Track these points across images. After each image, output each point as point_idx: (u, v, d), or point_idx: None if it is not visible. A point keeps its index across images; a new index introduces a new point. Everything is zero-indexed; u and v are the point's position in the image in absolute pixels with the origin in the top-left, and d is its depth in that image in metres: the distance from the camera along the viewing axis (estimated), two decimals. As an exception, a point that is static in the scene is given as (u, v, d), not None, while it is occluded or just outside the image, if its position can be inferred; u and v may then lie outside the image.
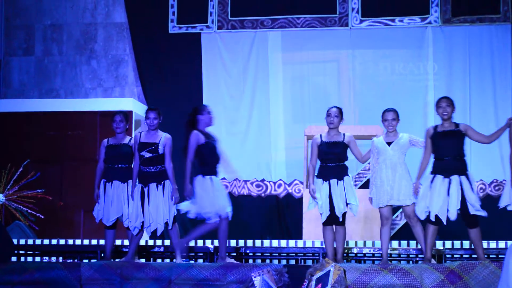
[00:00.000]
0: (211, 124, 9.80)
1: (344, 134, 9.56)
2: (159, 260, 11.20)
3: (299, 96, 14.52)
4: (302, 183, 13.68)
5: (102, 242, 11.66)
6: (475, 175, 13.25)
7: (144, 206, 9.60)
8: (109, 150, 10.06)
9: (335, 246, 9.34)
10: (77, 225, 13.89)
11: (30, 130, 14.29)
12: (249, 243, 11.40)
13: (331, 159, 9.35)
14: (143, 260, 10.82)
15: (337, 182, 9.26)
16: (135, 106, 14.44)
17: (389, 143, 9.29)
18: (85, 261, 10.58)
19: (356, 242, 11.00)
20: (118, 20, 15.30)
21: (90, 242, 11.88)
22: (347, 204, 9.23)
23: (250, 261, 11.24)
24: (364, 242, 10.95)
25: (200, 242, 11.54)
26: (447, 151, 9.10)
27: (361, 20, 14.36)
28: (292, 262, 11.01)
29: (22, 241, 11.78)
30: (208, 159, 9.58)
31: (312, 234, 11.77)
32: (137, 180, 9.77)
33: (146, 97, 14.90)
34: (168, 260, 11.10)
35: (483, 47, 14.06)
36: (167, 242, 11.75)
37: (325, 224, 9.28)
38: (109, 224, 9.90)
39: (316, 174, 9.41)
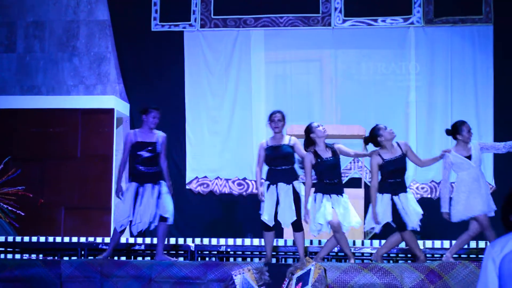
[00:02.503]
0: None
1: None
2: (139, 258, 11.18)
3: (281, 95, 14.52)
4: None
5: (82, 239, 11.65)
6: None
7: (135, 205, 9.53)
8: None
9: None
10: (58, 222, 13.85)
11: (11, 127, 14.24)
12: (230, 241, 11.40)
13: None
14: (123, 258, 10.81)
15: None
16: (117, 103, 14.42)
17: (468, 157, 9.24)
18: (66, 258, 10.55)
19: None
20: (101, 18, 15.26)
21: (70, 239, 11.85)
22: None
23: (231, 259, 11.24)
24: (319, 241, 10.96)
25: (181, 241, 11.54)
26: None
27: (344, 20, 14.38)
28: (273, 260, 11.02)
29: (2, 238, 11.74)
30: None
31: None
32: (123, 178, 9.74)
33: (128, 94, 14.87)
34: (148, 258, 11.08)
35: (465, 47, 14.10)
36: (147, 240, 11.75)
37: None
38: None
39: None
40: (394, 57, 14.29)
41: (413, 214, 9.08)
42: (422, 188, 13.80)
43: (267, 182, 9.35)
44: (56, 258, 11.07)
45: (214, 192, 14.36)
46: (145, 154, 9.70)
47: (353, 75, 14.41)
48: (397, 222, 9.12)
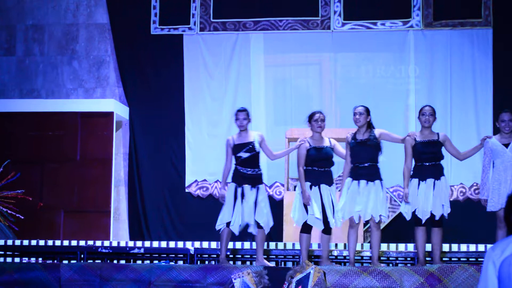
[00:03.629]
0: None
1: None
2: (139, 262, 11.17)
3: (281, 98, 14.52)
4: (283, 185, 13.69)
5: (82, 243, 11.64)
6: (455, 179, 13.32)
7: (235, 206, 9.56)
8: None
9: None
10: (57, 226, 13.84)
11: (10, 131, 14.24)
12: (230, 245, 11.38)
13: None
14: (122, 261, 10.80)
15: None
16: (117, 107, 14.42)
17: (506, 145, 9.30)
18: (65, 262, 10.54)
19: (336, 245, 11.01)
20: (100, 21, 15.26)
21: (70, 243, 11.83)
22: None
23: (231, 263, 11.23)
24: (345, 244, 10.96)
25: (180, 244, 11.54)
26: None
27: (343, 23, 14.38)
28: (272, 264, 11.01)
29: (1, 242, 11.72)
30: None
31: (293, 236, 11.77)
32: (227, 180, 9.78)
33: (128, 98, 14.87)
34: (148, 262, 11.07)
35: (464, 51, 14.10)
36: (147, 244, 11.74)
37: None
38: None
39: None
40: (393, 60, 14.29)
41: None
42: None
43: (309, 183, 9.38)
44: (55, 261, 11.05)
45: (213, 195, 14.34)
46: (244, 155, 9.70)
47: (352, 79, 14.41)
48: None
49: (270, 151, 9.91)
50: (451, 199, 12.95)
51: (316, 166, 9.49)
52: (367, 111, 9.55)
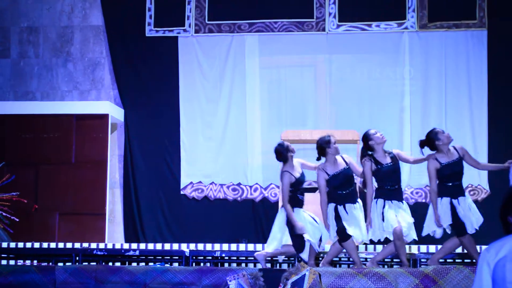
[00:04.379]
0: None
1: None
2: (134, 264, 11.16)
3: (275, 100, 14.52)
4: (278, 187, 13.68)
5: (77, 245, 11.63)
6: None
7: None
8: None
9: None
10: (52, 228, 13.82)
11: (5, 133, 14.22)
12: (225, 247, 11.38)
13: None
14: (118, 264, 10.78)
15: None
16: (112, 109, 14.41)
17: None
18: (60, 264, 10.52)
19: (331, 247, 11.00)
20: (95, 23, 15.25)
21: (65, 245, 11.82)
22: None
23: (226, 265, 11.23)
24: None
25: (175, 246, 11.53)
26: None
27: (338, 25, 14.38)
28: (268, 266, 11.01)
29: (-4, 244, 11.72)
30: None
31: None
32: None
33: (123, 100, 14.86)
34: (143, 264, 11.06)
35: (459, 52, 14.11)
36: (142, 246, 11.73)
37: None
38: None
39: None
40: (388, 62, 14.29)
41: (472, 218, 9.16)
42: (417, 193, 13.81)
43: (333, 204, 9.42)
44: (50, 264, 11.03)
45: (208, 198, 14.35)
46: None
47: (347, 80, 14.40)
48: (457, 226, 9.18)
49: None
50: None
51: (340, 190, 9.47)
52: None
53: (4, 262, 11.85)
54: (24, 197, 13.04)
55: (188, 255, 10.64)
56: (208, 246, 11.36)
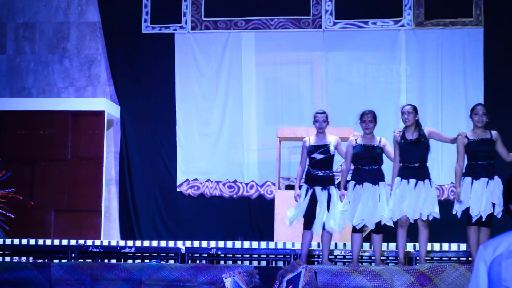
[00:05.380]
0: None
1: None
2: (130, 261, 11.16)
3: (272, 97, 14.52)
4: (274, 184, 13.69)
5: (72, 242, 11.63)
6: (446, 179, 13.36)
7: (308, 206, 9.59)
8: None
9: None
10: (48, 225, 13.82)
11: (1, 129, 14.23)
12: (221, 244, 11.39)
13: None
14: (113, 261, 10.78)
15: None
16: (108, 106, 14.40)
17: None
18: (56, 261, 10.52)
19: (336, 244, 11.01)
20: (91, 20, 15.23)
21: (60, 242, 11.83)
22: None
23: (222, 262, 11.23)
24: (335, 244, 10.97)
25: (171, 243, 11.53)
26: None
27: (335, 22, 14.38)
28: (264, 263, 11.01)
29: (-8, 241, 11.71)
30: None
31: (284, 236, 11.77)
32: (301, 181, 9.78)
33: (119, 97, 14.85)
34: (139, 261, 11.06)
35: (456, 50, 14.12)
36: (138, 243, 11.73)
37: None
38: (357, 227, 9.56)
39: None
40: (384, 59, 14.29)
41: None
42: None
43: (353, 182, 9.41)
44: (46, 260, 11.02)
45: (204, 195, 14.35)
46: (318, 156, 9.62)
47: (343, 78, 14.41)
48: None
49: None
50: (442, 199, 13.02)
51: (360, 165, 9.48)
52: (415, 109, 9.49)
53: (-1, 258, 11.85)
54: (20, 193, 13.03)
55: (183, 252, 10.64)
56: (204, 243, 11.39)
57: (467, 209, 9.18)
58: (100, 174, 14.01)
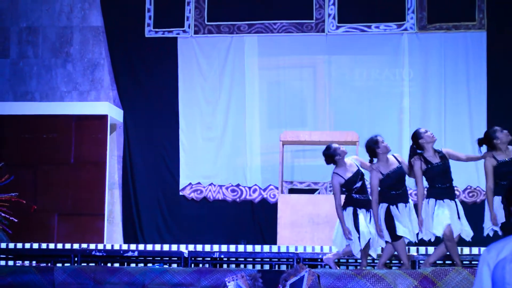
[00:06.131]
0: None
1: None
2: (133, 265, 11.16)
3: (275, 101, 14.52)
4: (277, 188, 13.68)
5: (75, 246, 11.63)
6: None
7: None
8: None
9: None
10: (51, 229, 13.82)
11: (4, 133, 14.23)
12: (224, 248, 11.39)
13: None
14: (116, 265, 10.79)
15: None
16: (111, 110, 14.41)
17: None
18: (59, 265, 10.52)
19: (330, 248, 11.00)
20: (94, 24, 15.24)
21: (63, 246, 11.83)
22: None
23: (225, 266, 11.23)
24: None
25: (174, 247, 11.53)
26: None
27: (338, 26, 14.38)
28: (267, 267, 11.01)
29: (-5, 245, 11.71)
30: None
31: (287, 239, 11.77)
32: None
33: (122, 101, 14.85)
34: (142, 265, 11.06)
35: (459, 54, 14.11)
36: (141, 247, 11.73)
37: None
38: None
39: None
40: (387, 63, 14.29)
41: None
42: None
43: (386, 204, 9.36)
44: (49, 264, 11.04)
45: (207, 199, 14.35)
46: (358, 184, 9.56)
47: (346, 81, 14.41)
48: (508, 226, 9.13)
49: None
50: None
51: (394, 190, 9.42)
52: None
53: (3, 262, 11.85)
54: (23, 197, 13.02)
55: (186, 256, 10.65)
56: (207, 247, 11.37)
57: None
58: (103, 178, 14.00)
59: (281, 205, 12.37)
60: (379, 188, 9.33)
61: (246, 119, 14.46)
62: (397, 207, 9.31)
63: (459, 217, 9.19)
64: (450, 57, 14.12)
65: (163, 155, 14.64)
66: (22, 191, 13.15)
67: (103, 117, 14.17)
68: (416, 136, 9.38)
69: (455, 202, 9.27)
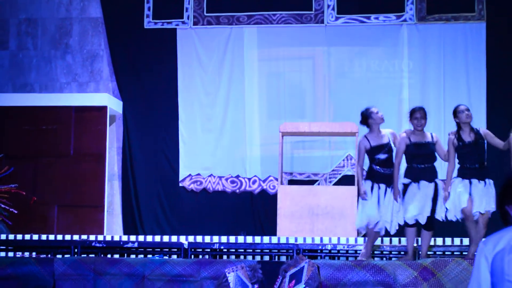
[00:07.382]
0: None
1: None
2: (133, 256, 11.18)
3: (274, 92, 14.52)
4: (276, 179, 13.69)
5: (75, 237, 11.65)
6: (444, 175, 13.37)
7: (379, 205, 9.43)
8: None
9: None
10: (51, 220, 13.84)
11: (4, 125, 14.23)
12: (223, 239, 11.41)
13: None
14: (116, 256, 10.80)
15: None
16: (110, 101, 14.41)
17: None
18: (59, 256, 10.54)
19: (330, 239, 11.03)
20: (94, 15, 15.24)
21: (63, 237, 11.85)
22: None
23: (224, 257, 11.25)
24: (338, 238, 10.98)
25: (174, 238, 11.54)
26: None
27: (337, 17, 14.38)
28: (266, 258, 11.03)
29: (-5, 236, 11.73)
30: None
31: (287, 230, 11.79)
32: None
33: (121, 92, 14.86)
34: (142, 256, 11.08)
35: (458, 45, 14.11)
36: (141, 238, 11.75)
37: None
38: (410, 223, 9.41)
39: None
40: (387, 54, 14.29)
41: None
42: None
43: (408, 180, 9.31)
44: (49, 256, 11.05)
45: (207, 190, 14.36)
46: (382, 156, 9.48)
47: (346, 73, 14.41)
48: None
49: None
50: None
51: (416, 163, 9.38)
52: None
53: (3, 254, 11.87)
54: (23, 189, 13.04)
55: (186, 247, 10.66)
56: (207, 238, 11.40)
57: None
58: (102, 169, 14.01)
59: (281, 196, 12.38)
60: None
61: (245, 110, 14.46)
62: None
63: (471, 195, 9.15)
64: (450, 48, 14.12)
65: (163, 147, 14.65)
66: (21, 183, 13.18)
67: (103, 109, 14.18)
68: (454, 112, 9.49)
69: (485, 182, 9.22)
